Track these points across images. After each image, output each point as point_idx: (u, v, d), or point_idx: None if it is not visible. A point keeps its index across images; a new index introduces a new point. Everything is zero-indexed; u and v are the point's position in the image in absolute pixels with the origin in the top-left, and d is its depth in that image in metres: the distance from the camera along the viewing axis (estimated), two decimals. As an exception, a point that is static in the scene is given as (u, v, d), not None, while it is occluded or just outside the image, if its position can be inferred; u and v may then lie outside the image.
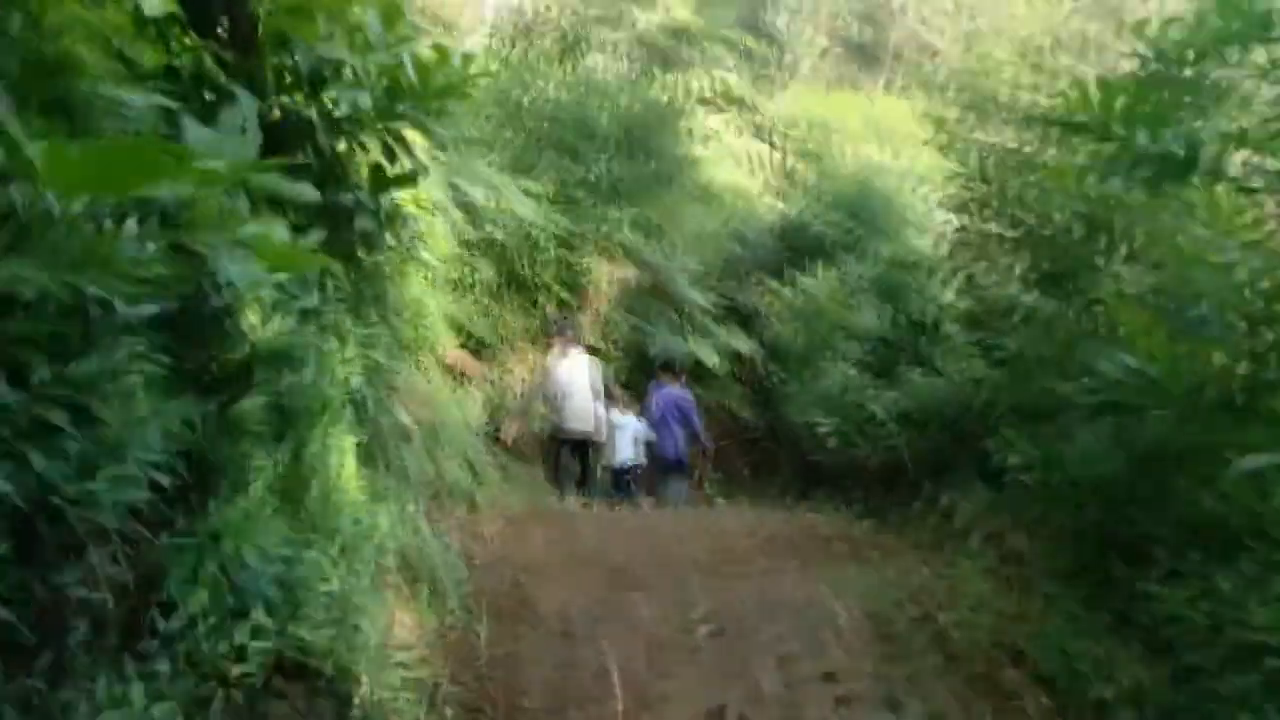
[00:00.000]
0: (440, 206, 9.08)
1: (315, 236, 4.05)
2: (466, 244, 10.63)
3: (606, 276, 12.49)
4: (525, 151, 12.53)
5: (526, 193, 10.98)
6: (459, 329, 11.07)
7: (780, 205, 18.16)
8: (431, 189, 8.14)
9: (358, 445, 4.33)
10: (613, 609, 4.44)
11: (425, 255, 7.29)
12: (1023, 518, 4.80)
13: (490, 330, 11.49)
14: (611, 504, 9.90)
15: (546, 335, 10.88)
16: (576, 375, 9.82)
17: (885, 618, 4.18)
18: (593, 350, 12.92)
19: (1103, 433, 4.19)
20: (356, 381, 4.45)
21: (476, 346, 11.50)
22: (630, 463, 10.38)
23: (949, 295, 7.09)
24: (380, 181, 4.44)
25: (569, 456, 10.26)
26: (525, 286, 12.05)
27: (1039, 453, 4.67)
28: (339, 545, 3.52)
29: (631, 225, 12.86)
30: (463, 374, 10.40)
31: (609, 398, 10.20)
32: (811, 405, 8.34)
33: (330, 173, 4.20)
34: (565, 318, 10.85)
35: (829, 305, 9.18)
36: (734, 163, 21.48)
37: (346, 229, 4.32)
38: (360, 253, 4.60)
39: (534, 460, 12.78)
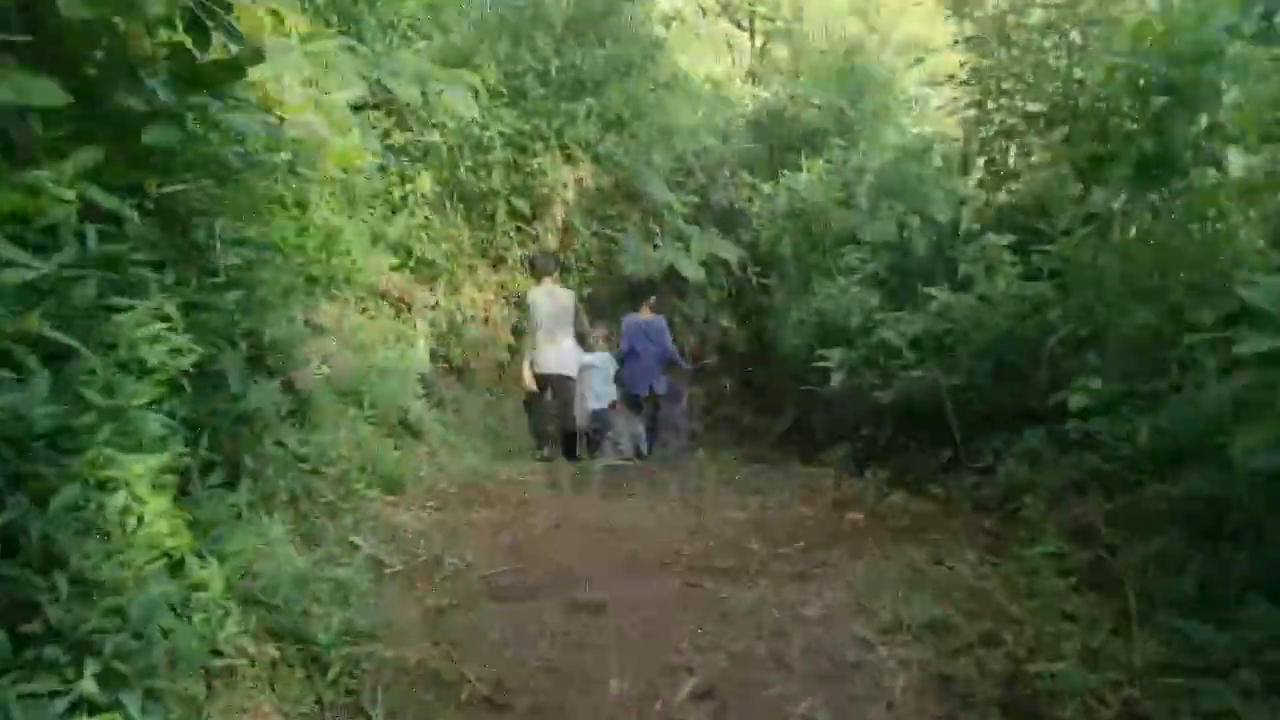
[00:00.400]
0: (354, 107, 7.58)
1: (81, 159, 2.68)
2: (398, 151, 9.11)
3: (567, 180, 10.99)
4: (466, 40, 10.89)
5: (467, 87, 9.40)
6: (398, 250, 9.65)
7: (756, 93, 16.55)
8: (337, 83, 6.65)
9: (182, 456, 3.00)
10: (566, 663, 3.20)
11: (320, 172, 5.84)
12: (1118, 507, 3.57)
13: (435, 249, 10.05)
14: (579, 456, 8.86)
15: (533, 272, 9.44)
16: (552, 309, 8.78)
17: (949, 671, 2.95)
18: (556, 263, 11.58)
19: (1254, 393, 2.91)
20: (184, 360, 3.10)
21: (421, 268, 10.09)
22: (603, 403, 9.40)
23: (972, 189, 5.75)
24: (187, 73, 3.02)
25: (549, 396, 9.19)
26: (473, 196, 10.57)
27: (1140, 420, 3.44)
28: (111, 654, 2.22)
29: (592, 120, 11.30)
30: (402, 302, 9.00)
31: (584, 335, 9.23)
32: (809, 328, 7.04)
33: (99, 61, 2.78)
34: (547, 255, 9.66)
35: (823, 205, 7.79)
36: (702, 47, 19.79)
37: (136, 144, 2.91)
38: (155, 181, 3.19)
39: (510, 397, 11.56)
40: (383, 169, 8.92)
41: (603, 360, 9.56)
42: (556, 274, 9.31)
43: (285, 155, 4.95)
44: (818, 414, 6.97)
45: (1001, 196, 5.72)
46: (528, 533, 4.47)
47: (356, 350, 7.04)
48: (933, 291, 5.29)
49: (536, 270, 9.16)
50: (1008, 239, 5.27)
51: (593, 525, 4.56)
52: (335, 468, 4.65)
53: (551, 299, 8.80)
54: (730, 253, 12.56)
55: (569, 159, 11.16)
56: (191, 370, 3.20)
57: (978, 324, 4.93)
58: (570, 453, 9.33)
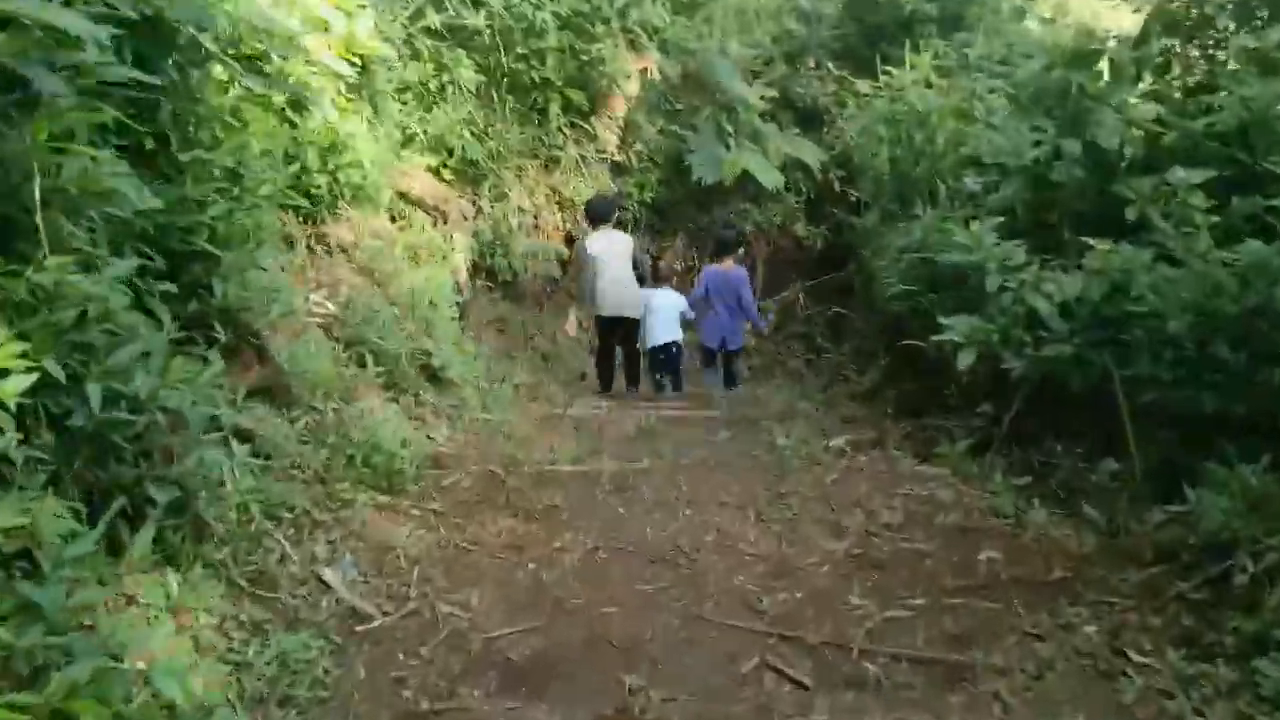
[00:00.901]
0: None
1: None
2: (433, 34, 7.83)
3: (630, 70, 9.62)
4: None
5: (513, -42, 8.04)
6: (437, 148, 8.47)
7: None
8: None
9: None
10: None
11: (318, 66, 4.66)
12: None
13: (478, 147, 8.83)
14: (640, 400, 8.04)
15: (589, 218, 8.80)
16: (612, 254, 8.28)
17: None
18: (616, 165, 10.32)
19: None
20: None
21: (462, 170, 8.90)
22: (664, 340, 8.68)
23: (1150, 109, 4.37)
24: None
25: (610, 340, 8.73)
26: (522, 87, 9.26)
27: None
28: None
29: (660, 1, 9.84)
30: (438, 211, 7.86)
31: (652, 277, 8.72)
32: (911, 268, 5.78)
33: None
34: (607, 200, 8.88)
35: (940, 113, 6.39)
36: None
37: None
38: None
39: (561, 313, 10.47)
40: (415, 56, 7.68)
41: (668, 301, 8.77)
42: (614, 220, 8.68)
43: (257, 44, 3.76)
44: (920, 373, 5.74)
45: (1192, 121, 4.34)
46: (557, 561, 3.41)
47: (375, 279, 5.96)
48: (1094, 243, 4.00)
49: (593, 216, 8.64)
50: (1201, 175, 3.95)
51: (642, 552, 3.47)
52: (311, 465, 3.60)
53: (609, 242, 8.33)
54: (812, 156, 11.15)
55: (633, 46, 9.76)
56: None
57: (1169, 294, 3.64)
58: (633, 381, 8.75)
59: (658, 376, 8.89)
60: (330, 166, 5.21)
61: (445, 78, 7.86)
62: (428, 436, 4.87)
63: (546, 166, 9.84)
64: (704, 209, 11.46)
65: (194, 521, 2.83)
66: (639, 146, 10.30)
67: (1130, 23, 7.16)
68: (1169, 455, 3.56)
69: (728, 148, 10.76)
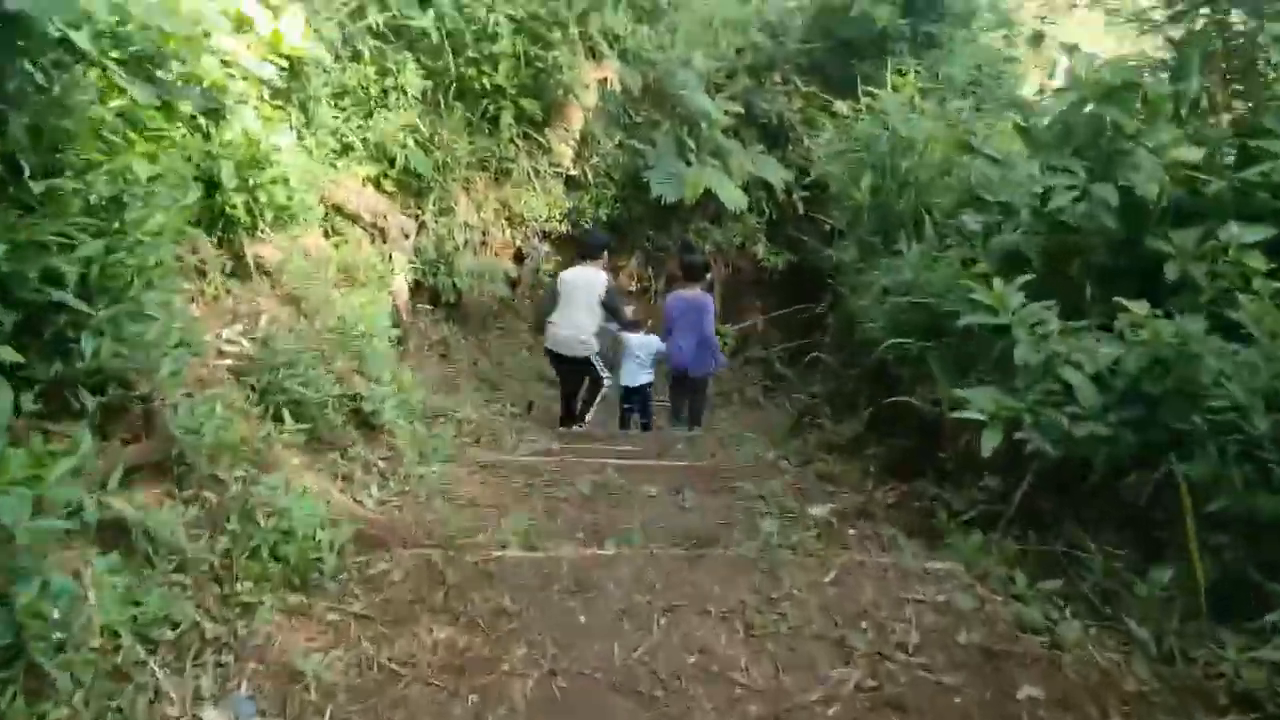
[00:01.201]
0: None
1: None
2: (375, 34, 7.14)
3: (588, 79, 9.00)
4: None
5: (466, -45, 7.39)
6: (377, 158, 7.78)
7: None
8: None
9: None
10: None
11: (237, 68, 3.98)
12: None
13: (423, 158, 8.14)
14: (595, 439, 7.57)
15: (579, 251, 8.29)
16: (577, 289, 7.73)
17: None
18: (571, 180, 9.69)
19: None
20: None
21: (405, 180, 8.21)
22: (637, 383, 8.42)
23: (1192, 153, 3.85)
24: None
25: (561, 371, 8.20)
26: (472, 94, 8.61)
27: None
28: None
29: (622, 6, 9.24)
30: (376, 228, 7.16)
31: (618, 317, 8.04)
32: (900, 312, 5.25)
33: None
34: (597, 234, 8.37)
35: (930, 141, 5.86)
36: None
37: None
38: None
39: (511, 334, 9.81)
40: (355, 58, 6.98)
41: (642, 344, 8.36)
42: (604, 259, 8.07)
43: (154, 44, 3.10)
44: (909, 429, 5.20)
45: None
46: (504, 692, 2.78)
47: (303, 307, 5.27)
48: (1129, 305, 3.47)
49: (580, 249, 8.12)
50: (1260, 231, 3.45)
51: (609, 678, 2.86)
52: (205, 562, 2.93)
53: (582, 278, 7.76)
54: (776, 175, 10.64)
55: (592, 54, 9.15)
56: None
57: (1244, 382, 3.11)
58: (580, 416, 8.17)
59: (626, 411, 8.56)
60: (250, 184, 4.52)
61: (388, 82, 7.18)
62: (355, 499, 4.21)
63: (496, 179, 9.19)
64: (662, 228, 10.90)
65: (29, 671, 2.16)
66: (595, 160, 9.67)
67: (1111, 46, 6.75)
68: (1231, 565, 3.03)
69: (689, 164, 10.21)
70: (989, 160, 4.89)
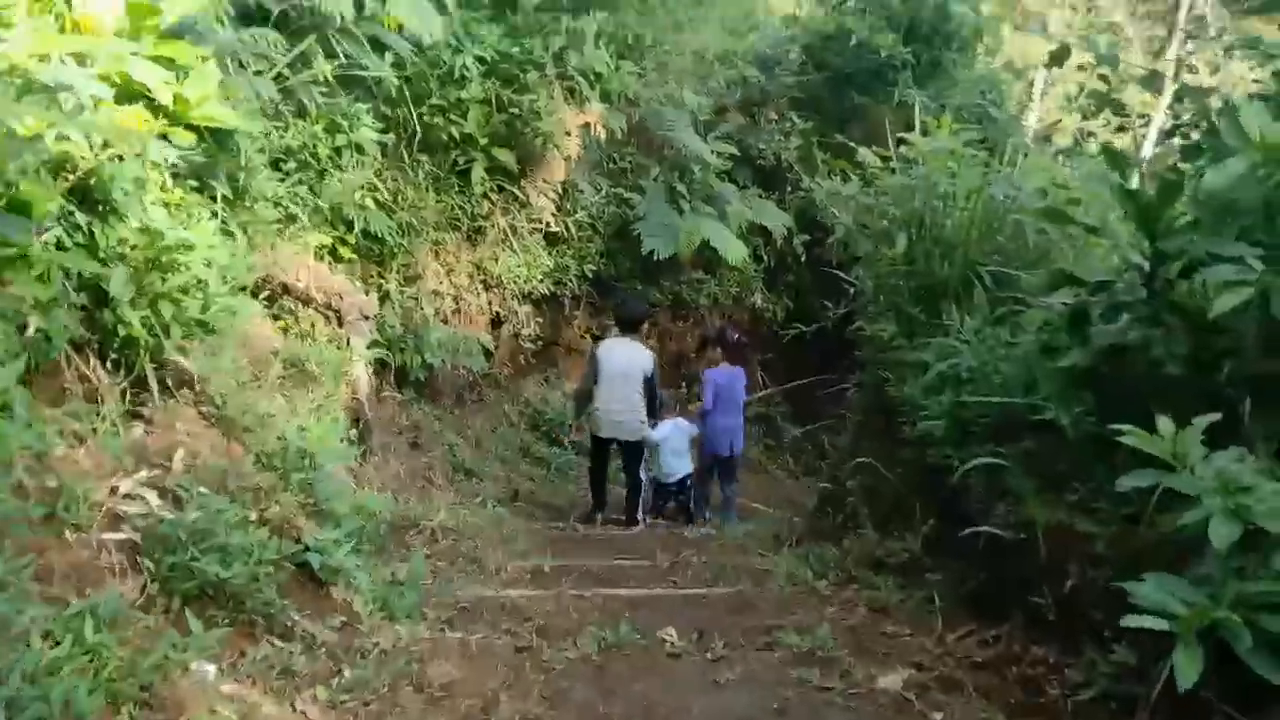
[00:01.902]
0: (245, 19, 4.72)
1: None
2: (325, 85, 6.18)
3: (569, 124, 8.08)
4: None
5: (427, -8, 6.46)
6: (332, 223, 6.83)
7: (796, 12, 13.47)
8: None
9: None
10: None
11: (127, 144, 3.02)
12: None
13: (383, 219, 7.20)
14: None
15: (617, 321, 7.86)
16: (626, 367, 7.25)
17: None
18: (552, 236, 8.76)
19: None
20: None
21: (365, 247, 7.26)
22: (678, 475, 7.90)
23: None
24: None
25: (602, 458, 7.67)
26: (438, 146, 7.69)
27: None
28: None
29: (604, 42, 8.34)
30: (330, 308, 6.18)
31: (654, 406, 7.51)
32: (961, 419, 4.34)
33: None
34: (636, 303, 8.21)
35: (971, 196, 4.94)
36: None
37: None
38: None
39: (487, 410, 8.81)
40: (301, 113, 6.03)
41: (677, 431, 7.86)
42: (644, 330, 7.81)
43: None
44: (987, 556, 4.25)
45: None
46: None
47: (234, 432, 4.29)
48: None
49: (620, 319, 7.66)
50: None
51: None
52: None
53: (628, 354, 7.30)
54: (776, 221, 9.75)
55: (572, 96, 8.24)
56: None
57: None
58: (631, 517, 7.56)
59: (665, 504, 8.01)
60: (151, 292, 3.54)
61: (340, 139, 6.21)
62: (294, 708, 3.20)
63: (470, 239, 8.25)
64: (651, 280, 9.97)
65: None
66: (578, 214, 8.73)
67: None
68: None
69: (681, 213, 9.30)
70: (1084, 228, 3.95)
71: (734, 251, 9.15)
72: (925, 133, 6.15)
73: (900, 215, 5.73)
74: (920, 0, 10.21)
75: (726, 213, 9.42)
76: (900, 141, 5.96)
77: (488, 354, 8.33)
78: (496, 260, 8.34)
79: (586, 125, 8.13)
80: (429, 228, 7.73)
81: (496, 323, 8.94)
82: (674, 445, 7.78)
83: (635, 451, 7.44)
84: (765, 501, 10.14)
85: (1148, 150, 24.81)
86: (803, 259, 10.52)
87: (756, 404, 11.21)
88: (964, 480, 4.52)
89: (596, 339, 9.88)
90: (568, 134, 8.03)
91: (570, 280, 9.08)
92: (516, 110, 7.81)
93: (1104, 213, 3.98)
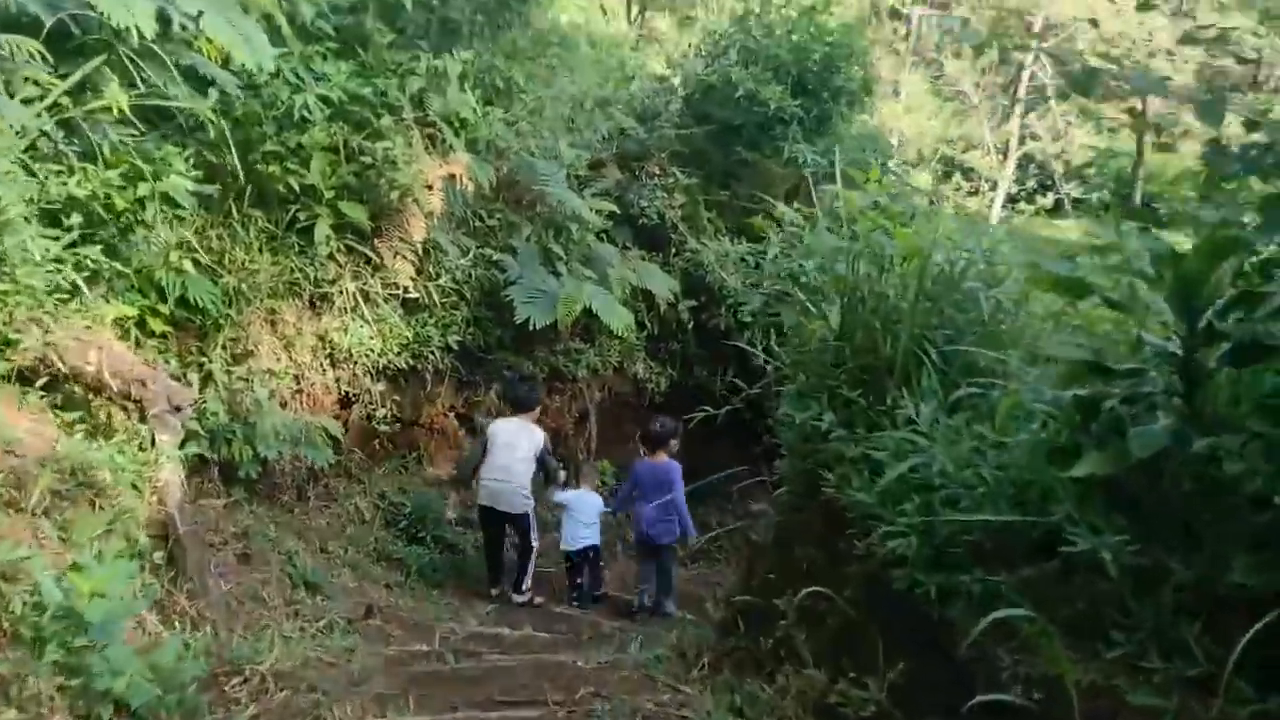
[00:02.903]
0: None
1: None
2: (123, 121, 4.99)
3: (430, 176, 7.03)
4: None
5: (256, 14, 5.36)
6: (141, 289, 5.62)
7: (665, 66, 12.81)
8: None
9: None
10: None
11: None
12: None
13: (205, 286, 6.00)
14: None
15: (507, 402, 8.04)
16: (512, 441, 7.31)
17: None
18: (410, 303, 7.66)
19: None
20: None
21: (182, 318, 6.04)
22: (582, 545, 7.75)
23: None
24: None
25: (491, 531, 7.66)
26: (274, 199, 6.55)
27: None
28: None
29: (468, 83, 7.37)
30: (130, 399, 4.93)
31: (551, 479, 7.69)
32: (942, 538, 3.51)
33: None
34: (525, 382, 8.14)
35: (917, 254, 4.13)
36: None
37: None
38: None
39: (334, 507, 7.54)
40: (90, 156, 4.82)
41: (587, 503, 7.76)
42: (536, 412, 7.69)
43: None
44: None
45: None
46: None
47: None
48: None
49: (512, 400, 7.76)
50: None
51: None
52: None
53: (517, 431, 7.35)
54: (663, 286, 8.90)
55: (433, 143, 7.22)
56: None
57: None
58: (518, 587, 7.62)
59: (574, 583, 7.88)
60: None
61: (142, 188, 5.01)
62: None
63: (313, 307, 7.09)
64: (524, 351, 8.95)
65: None
66: (442, 278, 7.65)
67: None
68: None
69: (558, 276, 8.32)
70: (1107, 303, 3.14)
71: (619, 319, 8.23)
72: (858, 185, 5.41)
73: (831, 282, 4.90)
74: (807, 52, 9.63)
75: (608, 276, 8.52)
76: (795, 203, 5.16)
77: (335, 443, 7.11)
78: (345, 331, 7.18)
79: (451, 177, 7.11)
80: (263, 295, 6.54)
81: (346, 403, 7.75)
82: (578, 514, 7.67)
83: (518, 524, 7.41)
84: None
85: (996, 214, 25.44)
86: (689, 325, 9.70)
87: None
88: (943, 612, 3.66)
89: (464, 419, 8.84)
90: (429, 187, 7.00)
91: (433, 353, 7.97)
92: (369, 159, 6.75)
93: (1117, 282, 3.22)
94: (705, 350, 10.19)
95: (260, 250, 6.62)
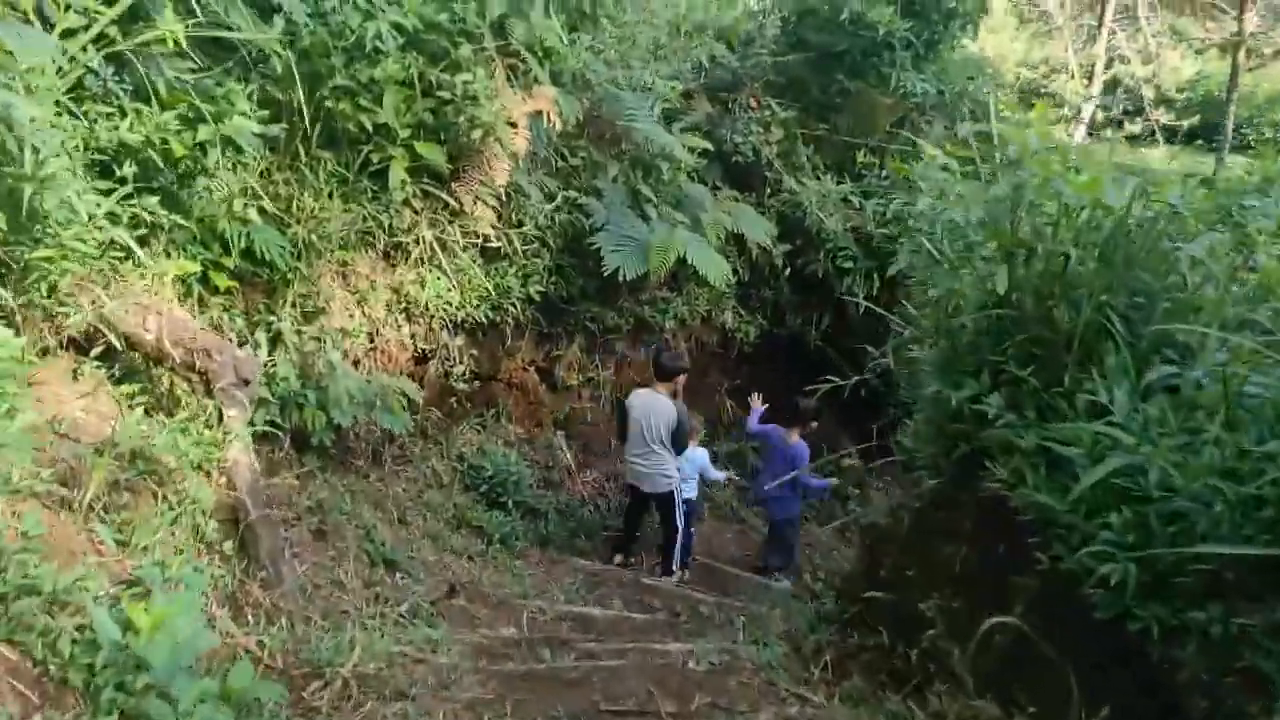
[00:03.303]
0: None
1: None
2: (182, 55, 4.42)
3: (513, 112, 6.39)
4: None
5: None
6: (203, 243, 5.12)
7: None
8: None
9: None
10: None
11: None
12: None
13: (273, 236, 5.48)
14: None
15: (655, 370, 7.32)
16: (644, 419, 7.13)
17: None
18: (490, 252, 7.09)
19: None
20: None
21: (247, 272, 5.54)
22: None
23: None
24: None
25: (635, 501, 7.71)
26: (345, 140, 5.98)
27: None
28: None
29: (554, 8, 6.67)
30: (194, 370, 4.44)
31: (679, 451, 7.32)
32: (1164, 567, 2.87)
33: None
34: (675, 355, 7.50)
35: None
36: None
37: None
38: None
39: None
40: (144, 95, 4.26)
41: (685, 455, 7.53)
42: (678, 382, 7.26)
43: None
44: None
45: None
46: None
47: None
48: None
49: (656, 369, 7.24)
50: None
51: None
52: None
53: (648, 406, 7.12)
54: (760, 230, 8.21)
55: (515, 76, 6.56)
56: None
57: None
58: (666, 568, 7.64)
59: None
60: None
61: (203, 132, 4.45)
62: None
63: (387, 258, 6.56)
64: (607, 301, 8.34)
65: None
66: (525, 224, 7.06)
67: None
68: None
69: (647, 220, 7.67)
70: None
71: (715, 269, 7.58)
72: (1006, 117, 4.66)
73: (995, 238, 4.20)
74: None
75: (701, 220, 7.84)
76: (982, 136, 4.41)
77: (412, 406, 6.61)
78: (422, 284, 6.65)
79: (536, 113, 6.46)
80: (334, 246, 6.00)
81: (422, 360, 7.24)
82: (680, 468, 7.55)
83: (663, 504, 7.41)
84: (731, 559, 8.64)
85: (1078, 138, 24.05)
86: (783, 272, 9.01)
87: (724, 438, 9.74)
88: (1166, 651, 3.05)
89: (544, 373, 8.32)
90: (512, 124, 6.35)
91: (513, 304, 7.41)
92: (446, 94, 6.12)
93: None
94: (799, 297, 9.52)
95: (330, 196, 6.07)
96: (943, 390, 4.34)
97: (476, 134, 6.17)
